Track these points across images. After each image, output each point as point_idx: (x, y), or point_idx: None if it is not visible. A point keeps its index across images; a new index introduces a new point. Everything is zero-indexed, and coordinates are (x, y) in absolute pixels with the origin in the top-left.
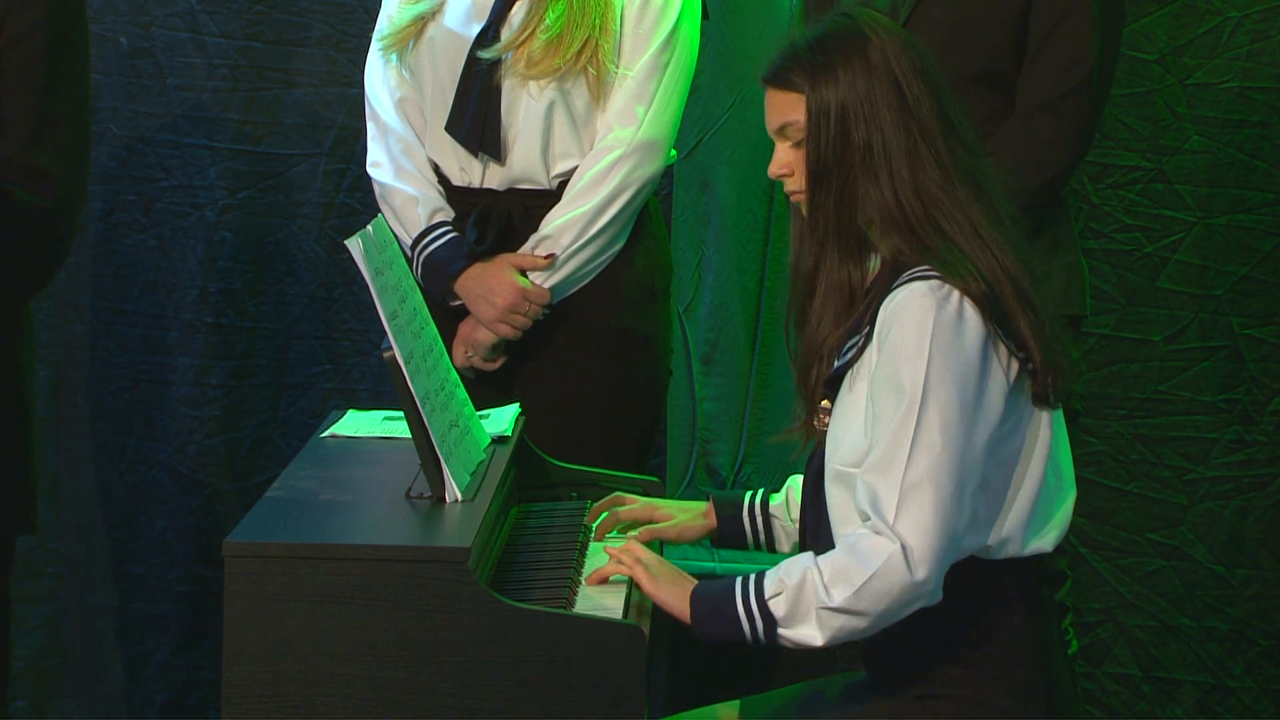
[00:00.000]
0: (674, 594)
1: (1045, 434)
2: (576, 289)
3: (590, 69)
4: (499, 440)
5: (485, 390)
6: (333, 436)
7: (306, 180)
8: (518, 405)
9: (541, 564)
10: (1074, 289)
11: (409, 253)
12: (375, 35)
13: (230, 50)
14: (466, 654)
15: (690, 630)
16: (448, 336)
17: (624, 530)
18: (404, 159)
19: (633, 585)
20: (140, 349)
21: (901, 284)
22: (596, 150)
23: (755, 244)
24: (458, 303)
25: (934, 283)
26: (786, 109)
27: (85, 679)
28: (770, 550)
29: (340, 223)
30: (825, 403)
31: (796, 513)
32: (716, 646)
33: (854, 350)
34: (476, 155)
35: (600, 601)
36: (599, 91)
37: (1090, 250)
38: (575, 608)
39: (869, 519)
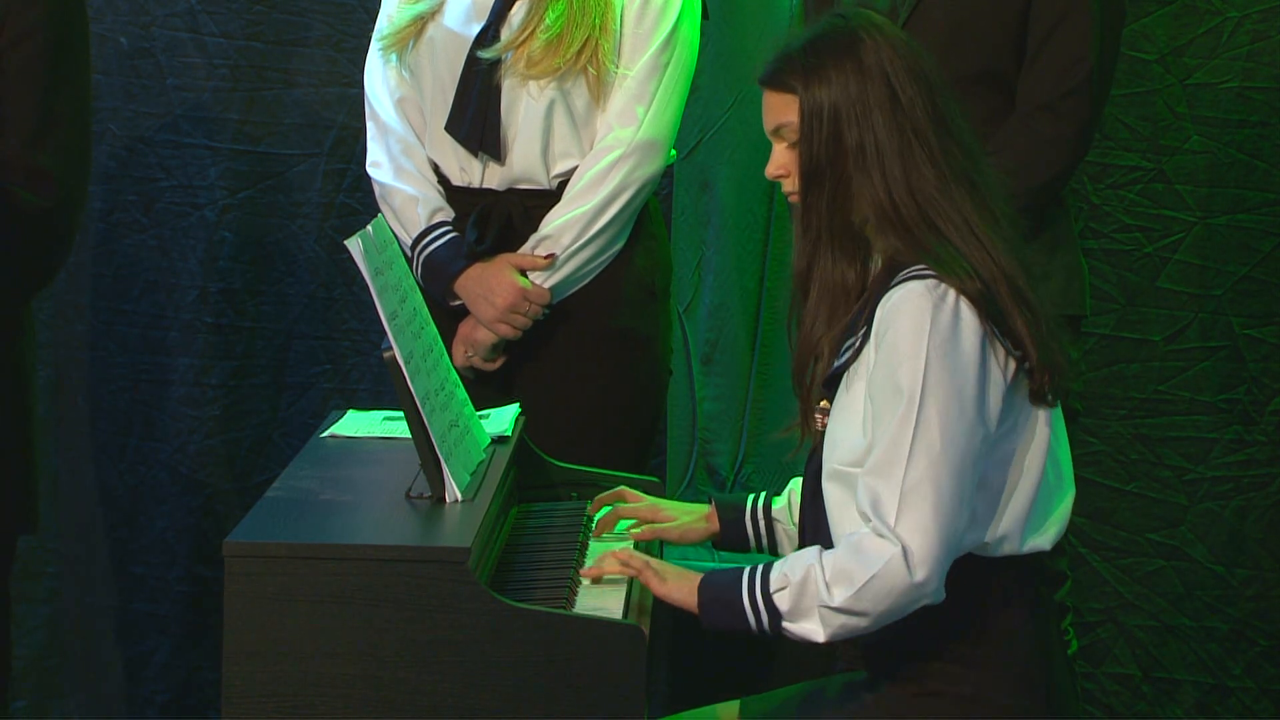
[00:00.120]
0: (682, 588)
1: (1044, 432)
2: (576, 289)
3: (590, 69)
4: (499, 440)
5: (485, 390)
6: (333, 436)
7: (306, 180)
8: (518, 405)
9: (541, 564)
10: (1074, 289)
11: (409, 253)
12: (375, 35)
13: (230, 50)
14: (466, 654)
15: (698, 621)
16: (448, 336)
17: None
18: (404, 159)
19: (632, 585)
20: (140, 349)
21: (898, 283)
22: (596, 150)
23: (755, 244)
24: (458, 303)
25: (930, 282)
26: (781, 110)
27: (85, 679)
28: (772, 554)
29: (340, 223)
30: (824, 403)
31: (799, 516)
32: (716, 646)
33: (851, 350)
34: (476, 155)
35: (600, 602)
36: (599, 91)
37: (1090, 250)
38: (575, 608)
39: (870, 521)
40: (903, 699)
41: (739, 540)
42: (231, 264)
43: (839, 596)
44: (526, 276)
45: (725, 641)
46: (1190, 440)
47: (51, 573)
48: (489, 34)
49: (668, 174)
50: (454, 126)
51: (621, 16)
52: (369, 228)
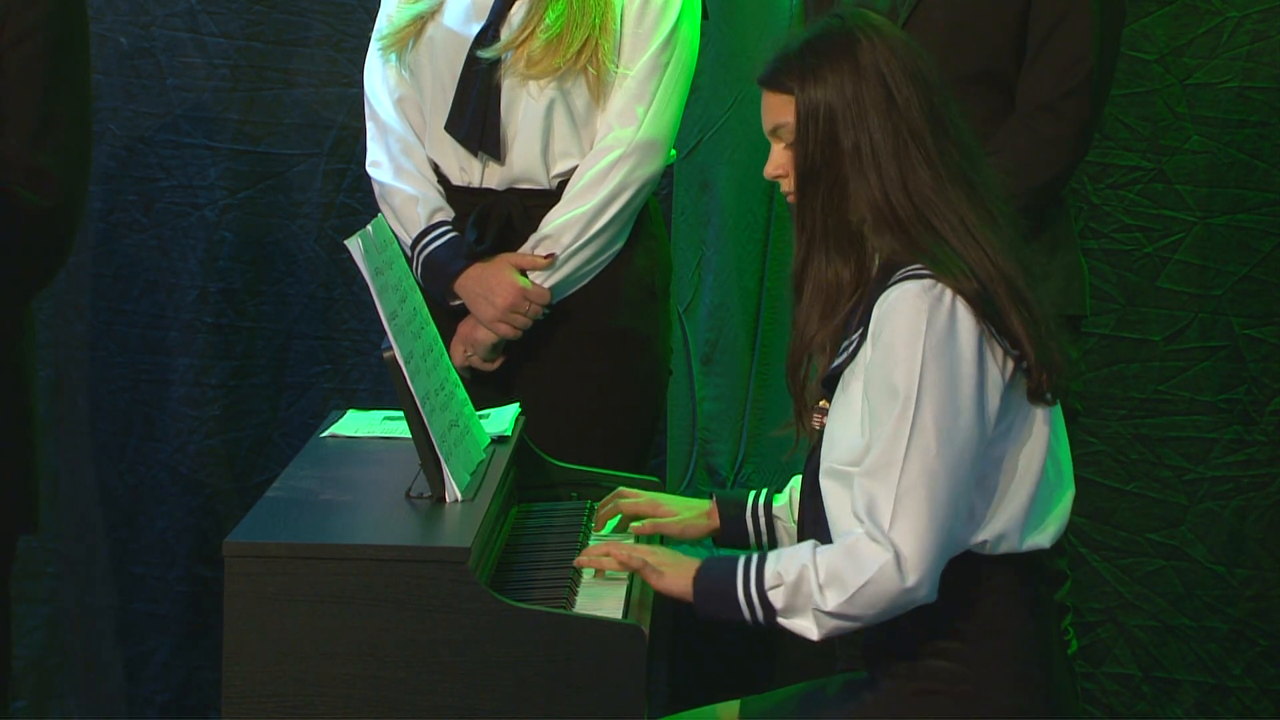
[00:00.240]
0: (678, 579)
1: (1042, 431)
2: (576, 289)
3: (590, 69)
4: (499, 440)
5: (485, 390)
6: (333, 436)
7: (306, 180)
8: (518, 405)
9: (541, 564)
10: (1073, 289)
11: (409, 252)
12: (374, 35)
13: (230, 50)
14: (466, 654)
15: (695, 614)
16: (448, 336)
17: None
18: (403, 159)
19: (632, 583)
20: (140, 349)
21: (894, 283)
22: (596, 150)
23: (755, 244)
24: (457, 302)
25: (927, 282)
26: (778, 111)
27: (85, 679)
28: None
29: (340, 223)
30: (824, 402)
31: (798, 513)
32: (716, 646)
33: (849, 350)
34: (476, 155)
35: (600, 601)
36: (599, 91)
37: (1090, 250)
38: (575, 608)
39: (864, 523)
40: (902, 697)
41: (739, 537)
42: (231, 264)
43: (832, 601)
44: (526, 276)
45: (725, 641)
46: (1190, 440)
47: (51, 573)
48: (489, 34)
49: (668, 174)
50: (454, 126)
51: (621, 16)
52: (369, 228)
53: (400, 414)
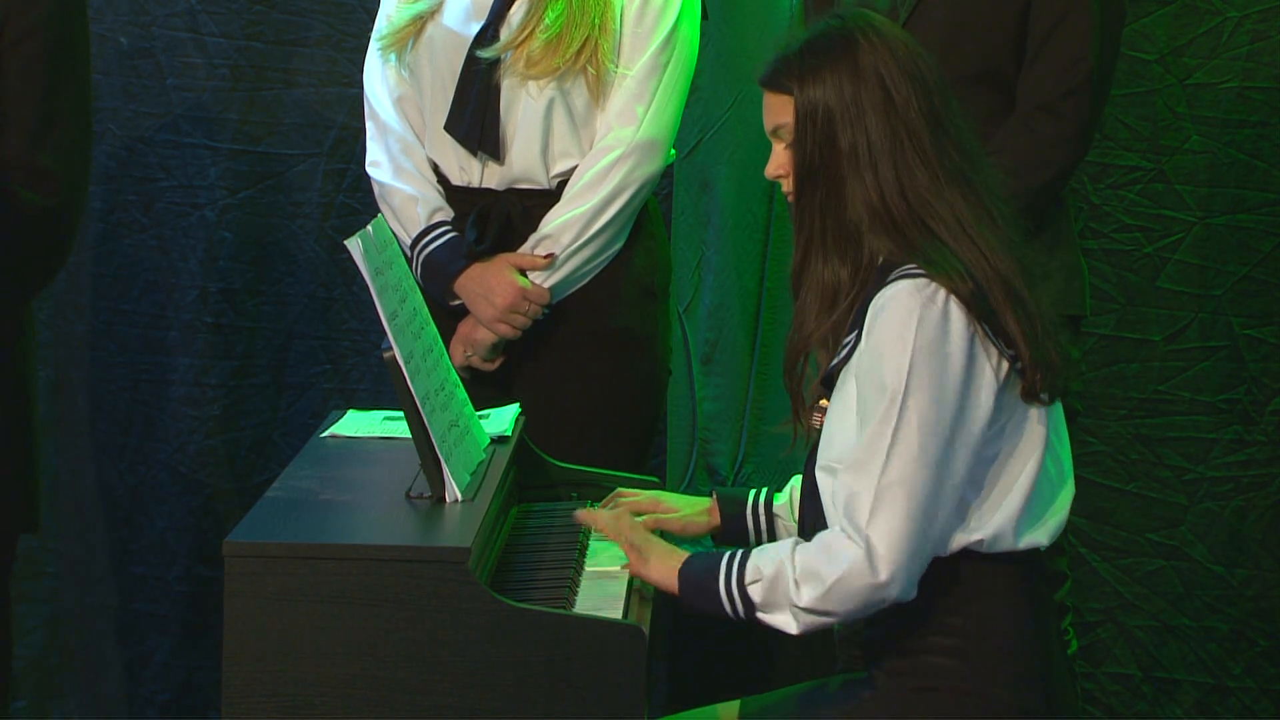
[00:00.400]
0: (662, 570)
1: (1039, 431)
2: (576, 288)
3: (590, 68)
4: (499, 440)
5: (485, 390)
6: (333, 436)
7: (306, 180)
8: (518, 405)
9: (541, 564)
10: (1073, 289)
11: (408, 252)
12: (374, 35)
13: (230, 50)
14: (466, 654)
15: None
16: (447, 336)
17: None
18: (403, 158)
19: (632, 580)
20: (140, 349)
21: (889, 282)
22: (596, 150)
23: (755, 244)
24: (457, 302)
25: (920, 281)
26: (779, 111)
27: (85, 679)
28: None
29: (340, 223)
30: (824, 401)
31: (798, 511)
32: (716, 646)
33: (847, 348)
34: (475, 154)
35: (600, 601)
36: (598, 91)
37: (1090, 250)
38: (575, 608)
39: (842, 518)
40: (900, 694)
41: (740, 535)
42: (231, 264)
43: (807, 596)
44: (526, 276)
45: (725, 641)
46: (1190, 440)
47: (51, 573)
48: (488, 33)
49: (668, 174)
50: (453, 126)
51: (621, 16)
52: (369, 228)
53: (400, 414)
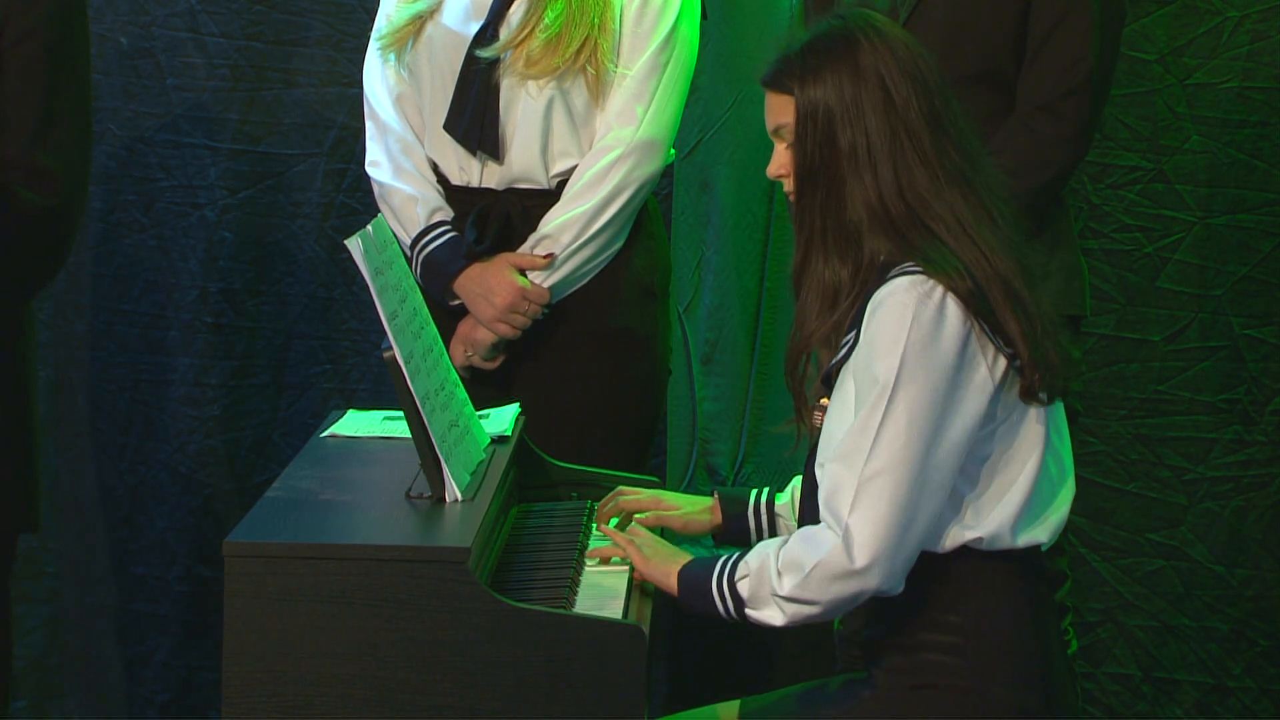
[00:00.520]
0: (663, 570)
1: (1038, 430)
2: (576, 288)
3: (589, 68)
4: (499, 440)
5: (485, 390)
6: (333, 436)
7: (306, 180)
8: (518, 405)
9: (541, 564)
10: (1073, 289)
11: (408, 252)
12: (373, 35)
13: (230, 50)
14: (466, 654)
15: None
16: (447, 336)
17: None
18: (403, 158)
19: (632, 580)
20: (140, 349)
21: (888, 279)
22: (596, 150)
23: (755, 244)
24: (457, 302)
25: (918, 278)
26: (780, 111)
27: (85, 679)
28: None
29: (340, 223)
30: (825, 400)
31: (799, 510)
32: (716, 646)
33: (847, 347)
34: (475, 154)
35: (600, 601)
36: (598, 91)
37: (1090, 250)
38: (575, 608)
39: (825, 508)
40: (899, 691)
41: (741, 534)
42: (231, 264)
43: (788, 585)
44: (525, 276)
45: (725, 641)
46: (1190, 440)
47: (51, 573)
48: (487, 33)
49: (668, 174)
50: (452, 125)
51: (621, 16)
52: (369, 228)
53: (400, 414)
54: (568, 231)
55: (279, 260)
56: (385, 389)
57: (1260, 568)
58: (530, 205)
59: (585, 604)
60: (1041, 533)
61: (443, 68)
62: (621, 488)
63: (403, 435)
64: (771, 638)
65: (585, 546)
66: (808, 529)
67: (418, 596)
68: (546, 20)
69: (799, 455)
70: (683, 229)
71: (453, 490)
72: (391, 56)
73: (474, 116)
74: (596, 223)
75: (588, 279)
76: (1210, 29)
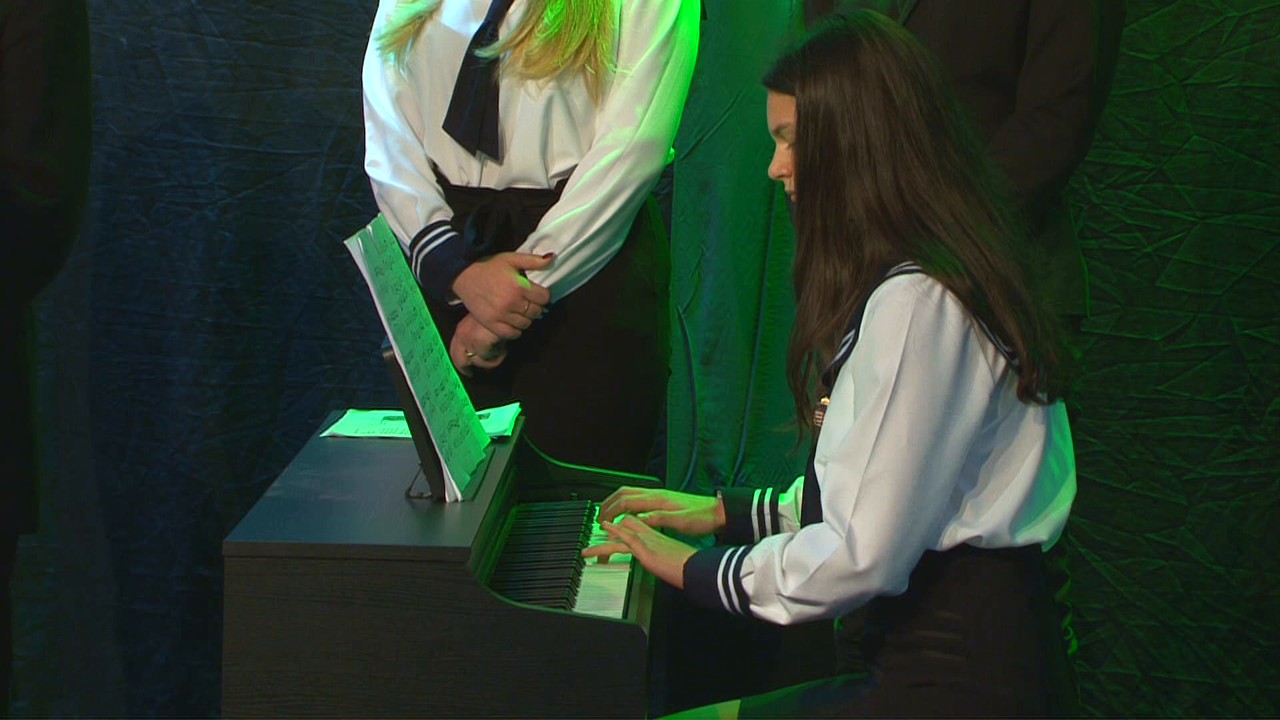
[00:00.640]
0: (669, 564)
1: (1037, 429)
2: (575, 288)
3: (589, 68)
4: (499, 440)
5: (484, 390)
6: (333, 436)
7: (306, 180)
8: (518, 405)
9: (541, 564)
10: (1073, 289)
11: (408, 252)
12: (373, 35)
13: (230, 50)
14: (466, 654)
15: (687, 602)
16: (447, 336)
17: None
18: (402, 158)
19: (632, 580)
20: (140, 349)
21: (887, 278)
22: (595, 149)
23: (755, 244)
24: (456, 302)
25: (917, 276)
26: (781, 111)
27: (85, 679)
28: None
29: (340, 223)
30: (825, 399)
31: (801, 509)
32: (716, 646)
33: (846, 346)
34: (474, 154)
35: (600, 601)
36: (597, 91)
37: (1090, 250)
38: (575, 608)
39: (829, 508)
40: (899, 690)
41: (745, 534)
42: (231, 264)
43: (792, 585)
44: (525, 276)
45: (725, 641)
46: (1190, 440)
47: (51, 573)
48: (487, 33)
49: (668, 174)
50: (451, 125)
51: (620, 16)
52: (369, 228)
53: (400, 414)
54: (567, 231)
55: (279, 260)
56: (385, 389)
57: (1260, 568)
58: (530, 205)
59: (585, 604)
60: (1041, 531)
61: (442, 67)
62: (625, 488)
63: (403, 435)
64: (771, 638)
65: (585, 546)
66: (812, 528)
67: (418, 596)
68: (546, 20)
69: (799, 455)
70: (683, 229)
71: (453, 490)
72: (391, 56)
73: (473, 116)
74: (596, 223)
75: (587, 279)
76: (1210, 29)
